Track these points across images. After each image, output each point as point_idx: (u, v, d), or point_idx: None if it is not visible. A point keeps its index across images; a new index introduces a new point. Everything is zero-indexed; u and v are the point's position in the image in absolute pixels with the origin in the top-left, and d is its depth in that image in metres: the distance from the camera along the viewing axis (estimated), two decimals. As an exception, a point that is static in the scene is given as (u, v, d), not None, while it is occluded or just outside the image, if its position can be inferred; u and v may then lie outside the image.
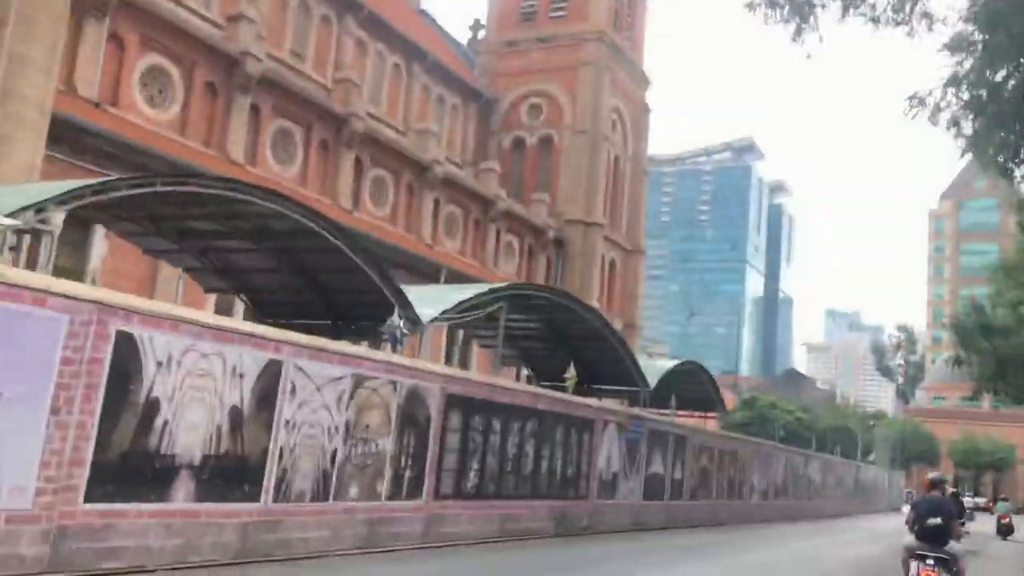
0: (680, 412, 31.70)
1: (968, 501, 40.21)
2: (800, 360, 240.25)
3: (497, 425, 15.01)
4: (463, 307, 16.75)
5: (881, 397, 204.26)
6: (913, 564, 10.53)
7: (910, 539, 10.79)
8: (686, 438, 22.50)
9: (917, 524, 10.63)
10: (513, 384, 17.72)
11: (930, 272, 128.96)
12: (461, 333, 32.95)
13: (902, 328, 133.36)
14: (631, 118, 52.40)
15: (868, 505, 46.15)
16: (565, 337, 22.51)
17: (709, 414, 32.18)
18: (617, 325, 50.22)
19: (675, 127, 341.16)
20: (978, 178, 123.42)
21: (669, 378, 28.56)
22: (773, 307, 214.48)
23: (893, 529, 31.55)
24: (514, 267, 43.13)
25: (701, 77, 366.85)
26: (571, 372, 20.60)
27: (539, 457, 16.27)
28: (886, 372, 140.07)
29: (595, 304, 45.62)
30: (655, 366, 26.08)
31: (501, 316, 17.65)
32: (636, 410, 22.15)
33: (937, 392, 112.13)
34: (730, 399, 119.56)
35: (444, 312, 16.22)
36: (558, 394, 18.76)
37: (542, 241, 44.64)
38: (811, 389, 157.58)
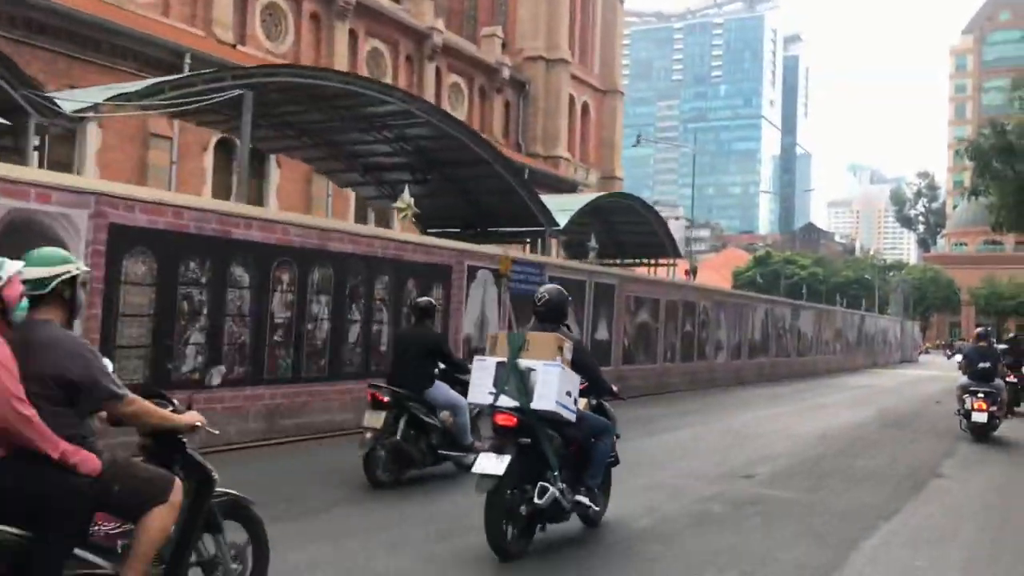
0: (633, 262, 26.31)
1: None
2: (821, 217, 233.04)
3: (243, 276, 9.64)
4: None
5: (904, 249, 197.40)
6: (967, 398, 13.06)
7: (964, 379, 13.48)
8: (613, 288, 17.13)
9: (969, 368, 13.48)
10: (258, 211, 11.54)
11: (951, 113, 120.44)
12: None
13: (922, 175, 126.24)
14: (599, -63, 45.19)
15: (877, 358, 41.09)
16: (438, 164, 16.92)
17: (662, 261, 26.69)
18: (594, 177, 44.61)
19: None
20: (1002, 9, 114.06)
21: (606, 221, 22.99)
22: (791, 163, 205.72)
23: (896, 385, 26.42)
24: (463, 113, 37.10)
25: None
26: (405, 199, 14.83)
27: (343, 322, 10.95)
28: (906, 222, 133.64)
29: (564, 153, 39.83)
30: (568, 201, 20.43)
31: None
32: (535, 257, 16.73)
33: (958, 238, 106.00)
34: (744, 257, 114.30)
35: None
36: (371, 230, 13.23)
37: (496, 82, 38.43)
38: (829, 244, 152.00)
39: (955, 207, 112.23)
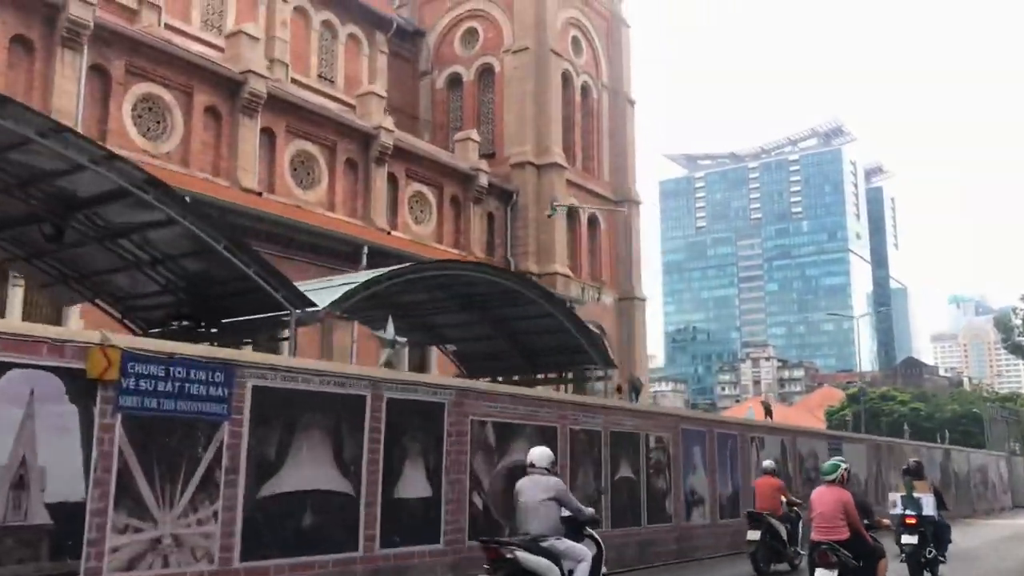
0: (551, 378, 18.95)
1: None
2: (926, 352, 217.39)
3: None
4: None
5: (1020, 381, 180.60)
6: None
7: None
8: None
9: None
10: None
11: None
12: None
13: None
14: (602, 35, 39.84)
15: (975, 504, 31.92)
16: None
17: (580, 368, 18.49)
18: (609, 298, 37.68)
19: (753, 118, 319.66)
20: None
21: (500, 320, 16.05)
22: (885, 297, 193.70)
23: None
24: (431, 226, 31.02)
25: (777, 61, 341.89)
26: (389, 332, 9.95)
27: None
28: (1016, 350, 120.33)
29: (561, 269, 33.22)
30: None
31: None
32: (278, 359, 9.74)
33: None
34: (838, 396, 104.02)
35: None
36: None
37: (472, 191, 32.39)
38: (934, 378, 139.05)
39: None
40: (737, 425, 17.77)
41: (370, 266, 23.97)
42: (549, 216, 29.47)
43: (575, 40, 38.16)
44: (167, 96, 23.23)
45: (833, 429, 61.31)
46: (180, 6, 28.55)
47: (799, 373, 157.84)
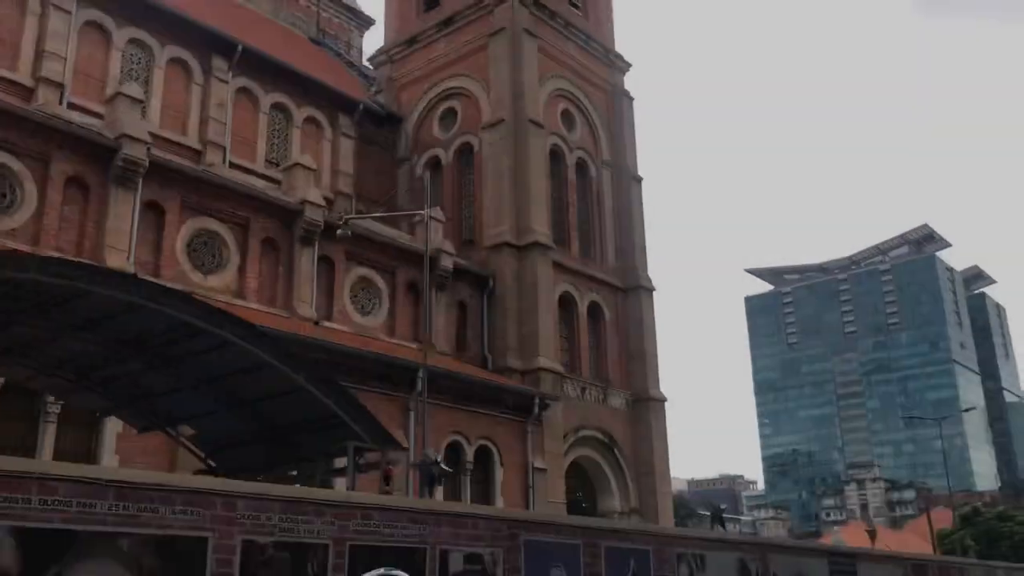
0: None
1: None
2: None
3: None
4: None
5: None
6: None
7: None
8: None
9: None
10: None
11: None
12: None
13: None
14: (600, 109, 35.42)
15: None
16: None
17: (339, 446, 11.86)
18: (619, 399, 31.87)
19: (837, 228, 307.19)
20: None
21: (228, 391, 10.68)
22: (999, 410, 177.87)
23: None
24: (381, 316, 26.23)
25: (855, 166, 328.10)
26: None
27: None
28: None
29: (549, 364, 27.90)
30: None
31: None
32: None
33: None
34: (948, 517, 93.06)
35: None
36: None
37: (436, 276, 27.60)
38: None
39: None
40: (644, 536, 11.81)
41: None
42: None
43: (566, 114, 33.83)
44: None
45: (946, 554, 52.87)
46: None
47: (910, 494, 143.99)
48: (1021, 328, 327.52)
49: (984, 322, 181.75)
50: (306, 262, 24.06)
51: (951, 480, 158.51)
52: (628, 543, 11.41)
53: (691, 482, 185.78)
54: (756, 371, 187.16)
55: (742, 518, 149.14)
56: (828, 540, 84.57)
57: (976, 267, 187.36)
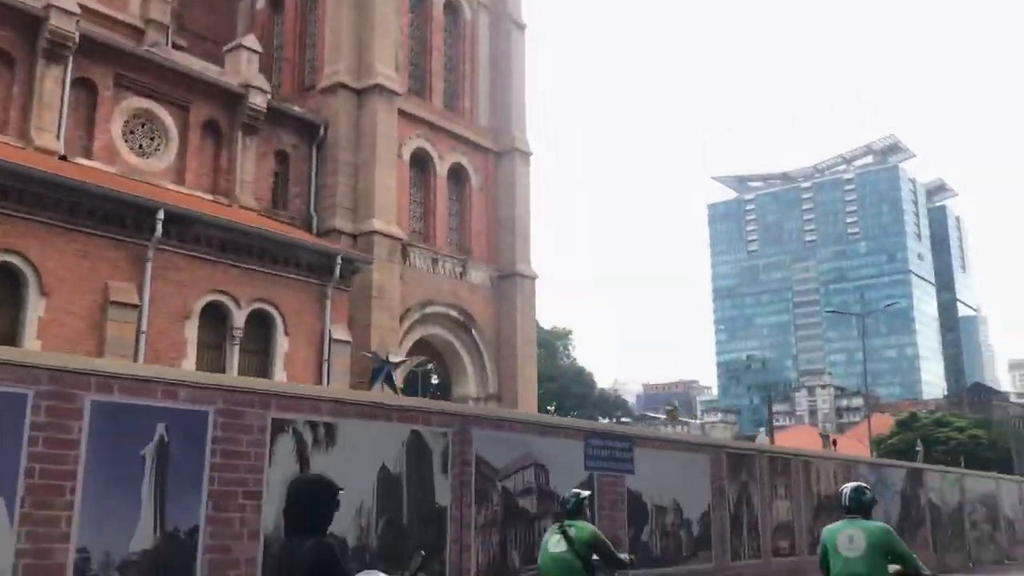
0: None
1: None
2: (1004, 382, 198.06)
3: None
4: None
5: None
6: None
7: None
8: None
9: None
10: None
11: None
12: None
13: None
14: (478, -58, 30.04)
15: (977, 550, 20.75)
16: None
17: None
18: (482, 274, 27.56)
19: (804, 135, 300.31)
20: None
21: None
22: (953, 321, 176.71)
23: None
24: (165, 161, 21.41)
25: (826, 74, 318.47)
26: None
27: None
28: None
29: (387, 228, 23.46)
30: None
31: None
32: None
33: None
34: (890, 424, 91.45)
35: None
36: None
37: (240, 114, 22.71)
38: (1004, 405, 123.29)
39: None
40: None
41: (27, 206, 15.05)
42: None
43: (431, -57, 28.52)
44: None
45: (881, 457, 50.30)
46: None
47: (858, 402, 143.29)
48: (979, 241, 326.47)
49: (943, 234, 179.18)
50: (51, 82, 19.13)
51: (900, 389, 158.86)
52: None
53: (647, 386, 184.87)
54: (715, 278, 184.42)
55: (693, 422, 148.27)
56: (786, 442, 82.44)
57: (940, 179, 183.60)
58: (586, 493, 7.78)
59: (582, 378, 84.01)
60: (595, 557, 7.01)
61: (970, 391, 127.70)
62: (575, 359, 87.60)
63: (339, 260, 20.14)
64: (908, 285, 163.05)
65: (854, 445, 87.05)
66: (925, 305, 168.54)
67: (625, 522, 11.39)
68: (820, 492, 15.75)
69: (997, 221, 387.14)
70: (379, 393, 15.15)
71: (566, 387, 79.39)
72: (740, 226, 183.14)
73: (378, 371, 19.45)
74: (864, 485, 6.19)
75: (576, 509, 7.43)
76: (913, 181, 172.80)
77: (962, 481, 22.15)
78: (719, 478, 13.17)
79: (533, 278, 28.93)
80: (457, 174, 28.01)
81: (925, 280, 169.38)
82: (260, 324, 18.92)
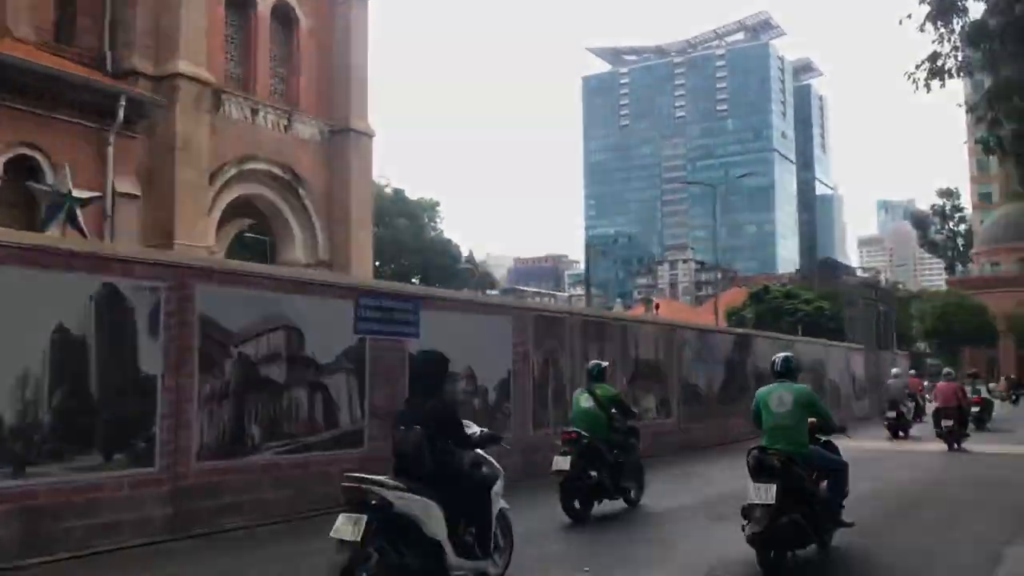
0: None
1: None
2: (854, 258, 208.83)
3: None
4: None
5: (939, 280, 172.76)
6: None
7: None
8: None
9: None
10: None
11: (971, 117, 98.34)
12: None
13: (944, 193, 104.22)
14: None
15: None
16: None
17: None
18: (310, 128, 25.04)
19: (682, 8, 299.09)
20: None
21: None
22: (810, 199, 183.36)
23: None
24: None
25: None
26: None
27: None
28: (933, 248, 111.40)
29: (190, 70, 20.46)
30: None
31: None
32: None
33: (989, 257, 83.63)
34: (743, 296, 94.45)
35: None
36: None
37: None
38: (850, 279, 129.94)
39: (982, 222, 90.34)
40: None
41: None
42: None
43: None
44: None
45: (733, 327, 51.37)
46: None
47: (717, 275, 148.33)
48: (838, 122, 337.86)
49: (807, 114, 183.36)
50: None
51: (758, 264, 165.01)
52: None
53: (518, 260, 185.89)
54: (588, 153, 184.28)
55: (560, 294, 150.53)
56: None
57: (807, 58, 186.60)
58: (606, 363, 10.28)
59: (448, 250, 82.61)
60: (614, 411, 9.30)
61: (820, 266, 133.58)
62: (442, 231, 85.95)
63: (123, 101, 17.46)
64: (771, 163, 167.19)
65: (709, 316, 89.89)
66: (786, 183, 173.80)
67: (406, 390, 10.02)
68: (639, 357, 14.88)
69: (855, 103, 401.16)
70: (54, 236, 12.72)
71: (431, 260, 77.89)
72: (614, 100, 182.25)
73: (54, 208, 15.53)
74: (791, 355, 7.43)
75: (599, 375, 9.66)
76: (782, 59, 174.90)
77: (791, 348, 22.03)
78: (522, 343, 11.96)
79: (370, 135, 26.71)
80: (284, 14, 25.12)
81: (787, 158, 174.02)
82: (24, 173, 16.25)
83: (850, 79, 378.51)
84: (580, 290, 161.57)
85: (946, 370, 21.08)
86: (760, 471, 6.37)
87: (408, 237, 74.74)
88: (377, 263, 65.00)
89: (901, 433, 19.69)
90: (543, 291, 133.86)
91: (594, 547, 7.69)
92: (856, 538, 7.44)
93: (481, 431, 6.03)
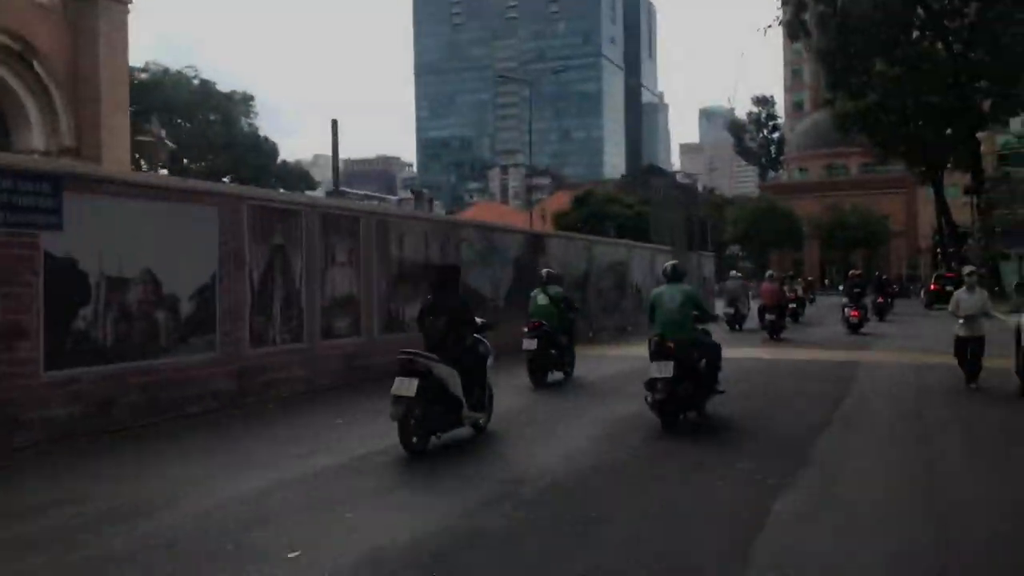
0: None
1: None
2: (677, 164, 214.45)
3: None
4: None
5: (753, 187, 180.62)
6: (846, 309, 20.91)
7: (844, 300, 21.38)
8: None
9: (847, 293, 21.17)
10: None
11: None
12: None
13: (760, 100, 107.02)
14: None
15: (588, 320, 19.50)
16: None
17: None
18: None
19: None
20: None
21: None
22: (636, 105, 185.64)
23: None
24: None
25: None
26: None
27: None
28: (747, 155, 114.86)
29: None
30: None
31: None
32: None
33: (798, 163, 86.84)
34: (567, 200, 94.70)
35: None
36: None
37: None
38: (670, 185, 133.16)
39: (792, 130, 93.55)
40: None
41: None
42: None
43: None
44: None
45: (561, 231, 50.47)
46: None
47: (545, 180, 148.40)
48: (665, 29, 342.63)
49: (635, 20, 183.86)
50: None
51: (586, 170, 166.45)
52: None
53: (348, 161, 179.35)
54: (419, 53, 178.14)
55: (391, 198, 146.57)
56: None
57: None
58: (556, 271, 13.28)
59: (262, 147, 77.17)
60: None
61: (643, 172, 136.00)
62: (257, 127, 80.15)
63: None
64: (600, 69, 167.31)
65: (537, 220, 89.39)
66: (614, 89, 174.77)
67: (40, 301, 7.41)
68: (405, 259, 12.76)
69: (681, 11, 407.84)
70: None
71: (243, 156, 72.48)
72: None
73: None
74: (678, 263, 9.29)
75: (552, 280, 12.20)
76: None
77: (591, 249, 20.57)
78: (234, 240, 9.51)
79: (125, 2, 22.71)
80: None
81: (615, 64, 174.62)
82: None
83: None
84: (407, 194, 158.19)
85: (769, 272, 22.55)
86: (660, 353, 8.02)
87: (217, 133, 68.79)
88: (185, 160, 59.55)
89: (737, 326, 21.84)
90: (372, 194, 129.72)
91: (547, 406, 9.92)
92: (725, 401, 9.18)
93: (482, 322, 7.98)
